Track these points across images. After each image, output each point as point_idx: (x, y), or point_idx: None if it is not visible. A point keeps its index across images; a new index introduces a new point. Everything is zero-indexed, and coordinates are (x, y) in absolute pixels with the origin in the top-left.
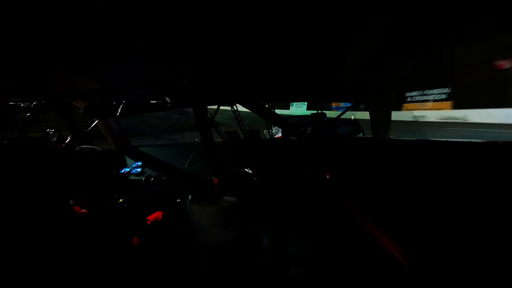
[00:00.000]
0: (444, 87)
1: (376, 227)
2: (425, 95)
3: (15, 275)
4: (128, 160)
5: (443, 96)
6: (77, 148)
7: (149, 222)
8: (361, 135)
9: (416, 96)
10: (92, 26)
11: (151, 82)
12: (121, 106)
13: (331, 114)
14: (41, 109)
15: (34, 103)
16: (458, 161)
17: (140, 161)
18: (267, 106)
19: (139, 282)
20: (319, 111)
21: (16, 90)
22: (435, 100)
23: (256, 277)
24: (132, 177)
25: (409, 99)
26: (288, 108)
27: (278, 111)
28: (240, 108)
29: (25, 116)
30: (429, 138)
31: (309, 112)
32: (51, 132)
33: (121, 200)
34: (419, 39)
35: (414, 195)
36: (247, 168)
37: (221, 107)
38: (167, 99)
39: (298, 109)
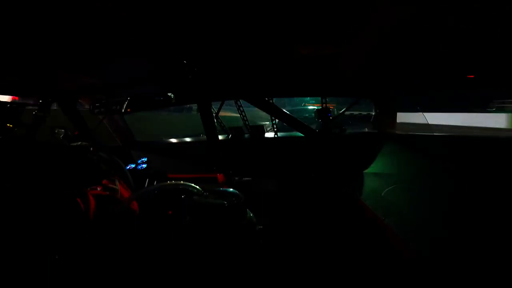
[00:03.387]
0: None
1: (384, 224)
2: None
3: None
4: (134, 157)
5: None
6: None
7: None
8: (366, 130)
9: None
10: (97, 25)
11: (156, 79)
12: (126, 103)
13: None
14: (48, 107)
15: (41, 100)
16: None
17: (145, 157)
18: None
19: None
20: (324, 106)
21: (23, 88)
22: None
23: (258, 273)
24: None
25: None
26: None
27: None
28: None
29: (33, 113)
30: (439, 133)
31: None
32: (57, 130)
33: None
34: (423, 35)
35: (426, 193)
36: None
37: None
38: (171, 95)
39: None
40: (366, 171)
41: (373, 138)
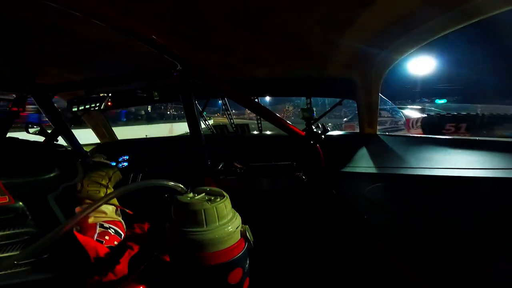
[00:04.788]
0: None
1: (366, 222)
2: None
3: None
4: (115, 154)
5: None
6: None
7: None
8: (345, 133)
9: None
10: (78, 19)
11: (139, 75)
12: (107, 99)
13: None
14: (23, 102)
15: (14, 95)
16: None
17: (127, 155)
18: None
19: None
20: (308, 106)
21: None
22: None
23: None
24: None
25: None
26: None
27: None
28: None
29: (6, 109)
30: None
31: None
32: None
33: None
34: (406, 35)
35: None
36: (236, 163)
37: None
38: (155, 92)
39: None
40: (348, 170)
41: (354, 139)
